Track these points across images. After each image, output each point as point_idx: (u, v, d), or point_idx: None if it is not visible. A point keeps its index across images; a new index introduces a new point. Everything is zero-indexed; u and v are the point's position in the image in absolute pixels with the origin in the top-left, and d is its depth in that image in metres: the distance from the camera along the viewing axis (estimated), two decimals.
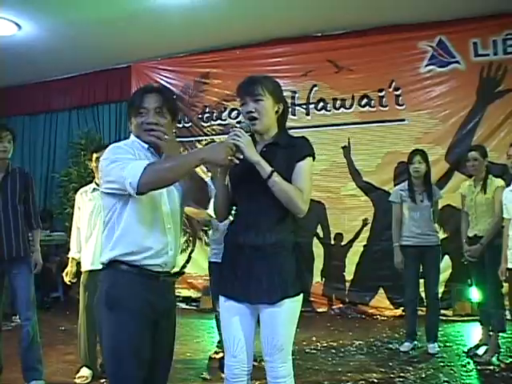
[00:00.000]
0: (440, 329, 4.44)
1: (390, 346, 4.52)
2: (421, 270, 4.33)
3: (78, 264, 3.83)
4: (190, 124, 6.92)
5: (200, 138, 6.74)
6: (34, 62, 6.84)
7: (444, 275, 5.27)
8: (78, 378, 3.66)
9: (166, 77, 7.01)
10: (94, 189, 3.75)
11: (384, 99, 6.00)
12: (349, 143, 6.10)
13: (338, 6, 5.46)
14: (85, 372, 3.70)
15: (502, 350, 4.05)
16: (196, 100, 6.89)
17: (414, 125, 5.86)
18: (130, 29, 5.92)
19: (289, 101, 6.23)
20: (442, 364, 3.96)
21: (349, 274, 6.03)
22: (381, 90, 6.00)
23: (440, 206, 4.69)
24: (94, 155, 3.78)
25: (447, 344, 4.50)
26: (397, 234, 4.39)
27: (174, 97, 2.16)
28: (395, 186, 4.99)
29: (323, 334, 4.98)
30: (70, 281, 3.94)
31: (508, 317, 4.58)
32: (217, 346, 4.17)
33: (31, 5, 5.25)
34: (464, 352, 4.22)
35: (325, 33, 6.17)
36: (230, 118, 6.65)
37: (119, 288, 1.98)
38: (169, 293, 2.12)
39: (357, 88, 6.07)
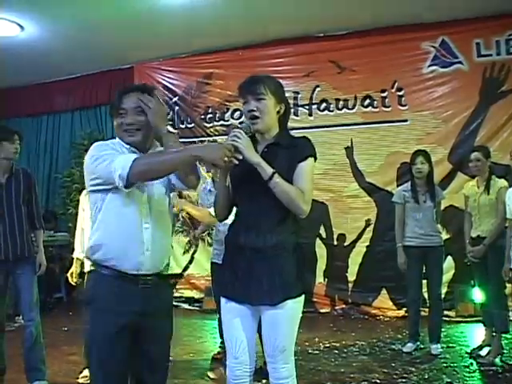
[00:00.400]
0: (443, 330, 4.44)
1: (393, 346, 4.52)
2: (424, 271, 4.33)
3: (83, 264, 3.84)
4: (192, 125, 6.93)
5: (203, 139, 6.74)
6: (36, 62, 6.85)
7: (447, 276, 5.25)
8: (82, 378, 3.67)
9: (168, 77, 7.03)
10: None
11: (387, 100, 5.99)
12: (351, 144, 6.09)
13: (340, 6, 5.45)
14: (88, 372, 3.69)
15: (505, 351, 4.04)
16: (198, 101, 6.90)
17: (417, 125, 5.86)
18: (133, 30, 5.92)
19: (291, 101, 6.23)
20: (444, 365, 3.95)
21: (351, 275, 6.03)
22: (383, 91, 5.99)
23: (443, 207, 4.68)
24: None
25: (450, 345, 4.49)
26: (400, 235, 4.38)
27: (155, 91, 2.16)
28: (398, 186, 4.98)
29: (326, 335, 4.97)
30: (75, 282, 3.95)
31: (511, 318, 4.57)
32: (219, 347, 4.16)
33: (34, 6, 5.26)
34: (467, 353, 4.21)
35: (327, 33, 6.17)
36: (233, 118, 6.65)
37: (96, 293, 1.99)
38: (156, 297, 2.01)
39: (359, 88, 6.06)
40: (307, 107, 6.33)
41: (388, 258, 5.10)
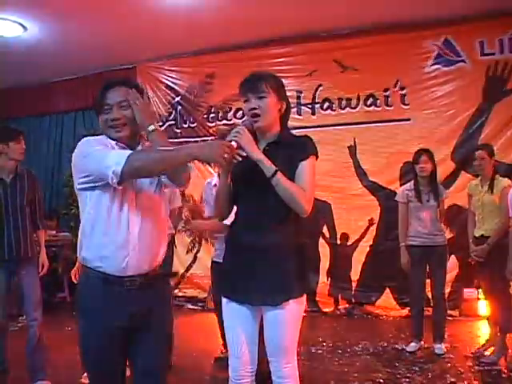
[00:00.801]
0: (446, 329, 4.41)
1: (397, 346, 4.51)
2: (427, 270, 4.32)
3: None
4: (195, 124, 6.94)
5: (205, 139, 6.72)
6: (39, 63, 6.86)
7: (450, 275, 5.23)
8: (85, 378, 3.66)
9: (171, 77, 7.03)
10: None
11: (389, 99, 5.98)
12: (354, 143, 6.08)
13: (342, 5, 5.43)
14: None
15: (509, 350, 4.02)
16: (201, 100, 6.90)
17: (420, 124, 5.84)
18: (135, 29, 5.92)
19: (294, 100, 6.24)
20: (448, 364, 3.94)
21: (355, 274, 6.02)
22: (386, 90, 5.98)
23: (446, 206, 4.66)
24: None
25: (454, 344, 4.47)
26: (403, 234, 4.37)
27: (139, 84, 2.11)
28: (401, 185, 4.98)
29: (329, 334, 4.97)
30: (78, 281, 3.94)
31: None
32: (223, 345, 4.16)
33: (37, 6, 5.26)
34: (471, 353, 4.19)
35: (330, 33, 6.15)
36: (236, 118, 6.64)
37: (83, 296, 1.97)
38: (144, 298, 1.94)
39: (362, 87, 6.05)
40: (310, 106, 6.32)
41: (391, 257, 5.08)
